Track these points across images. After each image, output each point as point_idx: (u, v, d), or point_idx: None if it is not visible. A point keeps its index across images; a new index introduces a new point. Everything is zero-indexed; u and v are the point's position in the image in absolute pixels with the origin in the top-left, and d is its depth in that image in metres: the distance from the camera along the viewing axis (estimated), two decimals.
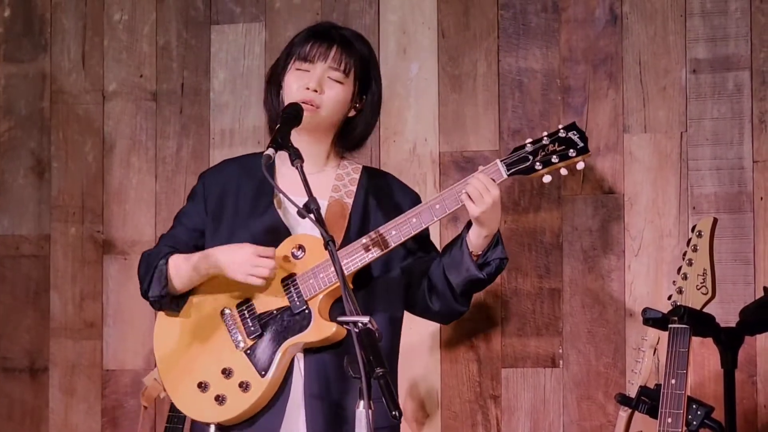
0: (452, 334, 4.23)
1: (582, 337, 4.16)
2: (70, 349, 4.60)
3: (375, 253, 3.36)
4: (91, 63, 4.63)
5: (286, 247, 3.39)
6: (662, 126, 4.14)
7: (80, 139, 4.62)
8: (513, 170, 3.35)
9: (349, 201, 3.47)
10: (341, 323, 3.11)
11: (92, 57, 4.63)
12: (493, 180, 3.34)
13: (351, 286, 3.32)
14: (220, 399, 3.34)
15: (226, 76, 4.51)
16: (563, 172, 3.35)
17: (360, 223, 3.46)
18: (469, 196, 3.32)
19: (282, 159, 3.33)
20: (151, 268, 3.40)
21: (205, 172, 3.53)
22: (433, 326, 4.18)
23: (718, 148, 4.10)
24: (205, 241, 3.44)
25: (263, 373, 3.34)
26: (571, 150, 3.34)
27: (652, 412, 3.56)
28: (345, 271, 3.29)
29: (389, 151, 4.26)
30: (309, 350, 3.34)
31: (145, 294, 3.43)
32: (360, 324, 2.96)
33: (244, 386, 3.34)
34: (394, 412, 2.88)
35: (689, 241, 3.56)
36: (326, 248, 3.10)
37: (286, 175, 3.41)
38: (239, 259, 3.27)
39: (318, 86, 3.36)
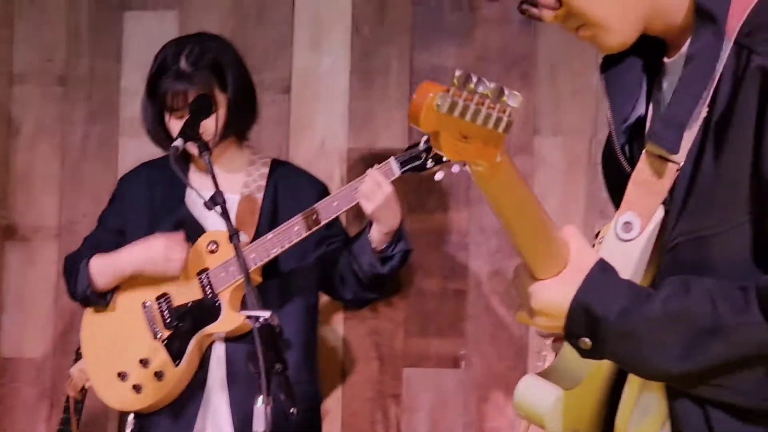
0: (354, 331, 4.21)
1: (485, 339, 4.15)
2: None
3: (281, 247, 3.48)
4: (0, 44, 4.55)
5: (202, 242, 3.55)
6: (573, 129, 4.13)
7: None
8: (406, 168, 3.44)
9: (260, 196, 3.61)
10: (245, 317, 3.18)
11: (1, 38, 4.54)
12: (386, 177, 3.42)
13: (260, 279, 3.46)
14: (137, 388, 3.50)
15: (138, 64, 4.42)
16: (455, 169, 3.41)
17: (270, 217, 3.60)
18: (363, 194, 3.42)
19: (197, 158, 3.51)
20: (74, 269, 3.59)
21: (123, 176, 3.73)
22: (335, 323, 4.18)
23: None
24: (126, 241, 3.60)
25: (177, 362, 3.50)
26: None
27: None
28: (254, 264, 3.44)
29: (298, 145, 4.23)
30: (229, 339, 3.50)
31: (72, 295, 3.63)
32: (261, 319, 3.00)
33: (158, 375, 3.50)
34: (291, 410, 2.96)
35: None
36: (231, 241, 3.21)
37: (200, 174, 3.58)
38: (154, 252, 3.48)
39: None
